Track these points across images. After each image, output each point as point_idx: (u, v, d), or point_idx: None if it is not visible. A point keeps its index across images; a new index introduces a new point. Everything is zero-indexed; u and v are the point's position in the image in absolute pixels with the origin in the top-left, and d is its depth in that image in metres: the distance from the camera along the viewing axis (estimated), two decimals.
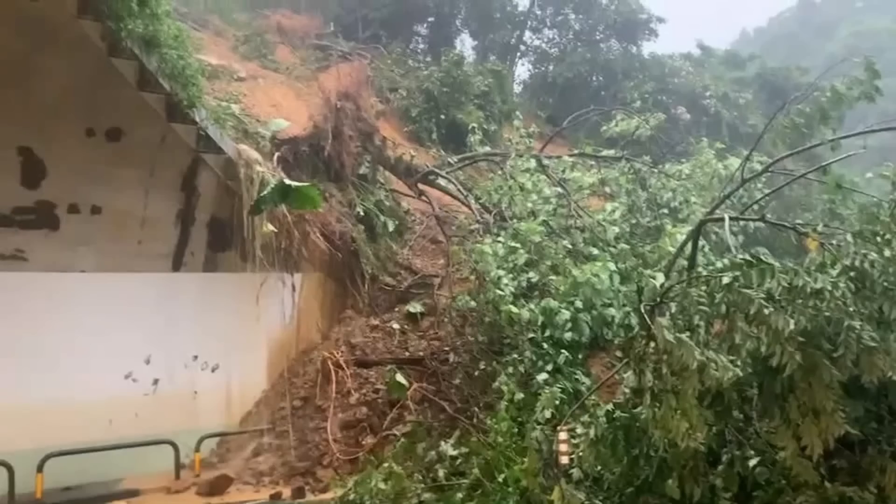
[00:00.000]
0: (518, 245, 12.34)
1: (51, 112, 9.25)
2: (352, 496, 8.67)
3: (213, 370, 11.04)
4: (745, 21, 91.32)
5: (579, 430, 7.77)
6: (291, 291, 11.74)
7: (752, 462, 6.42)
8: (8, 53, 8.66)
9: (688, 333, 6.30)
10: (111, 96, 9.50)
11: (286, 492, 9.26)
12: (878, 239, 6.34)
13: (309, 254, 11.93)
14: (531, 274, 12.05)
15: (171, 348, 10.66)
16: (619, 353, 10.46)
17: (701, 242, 10.54)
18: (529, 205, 14.57)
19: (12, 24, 8.53)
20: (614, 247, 12.96)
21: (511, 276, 11.82)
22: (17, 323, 9.37)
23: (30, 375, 9.33)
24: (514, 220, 13.72)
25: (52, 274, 9.74)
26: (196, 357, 10.92)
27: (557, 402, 9.29)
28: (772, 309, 5.86)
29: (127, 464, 9.43)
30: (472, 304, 11.79)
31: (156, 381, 10.56)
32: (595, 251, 12.98)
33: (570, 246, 13.10)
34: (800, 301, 5.97)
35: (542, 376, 10.31)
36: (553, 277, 11.91)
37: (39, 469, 8.62)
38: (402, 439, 9.82)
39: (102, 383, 9.88)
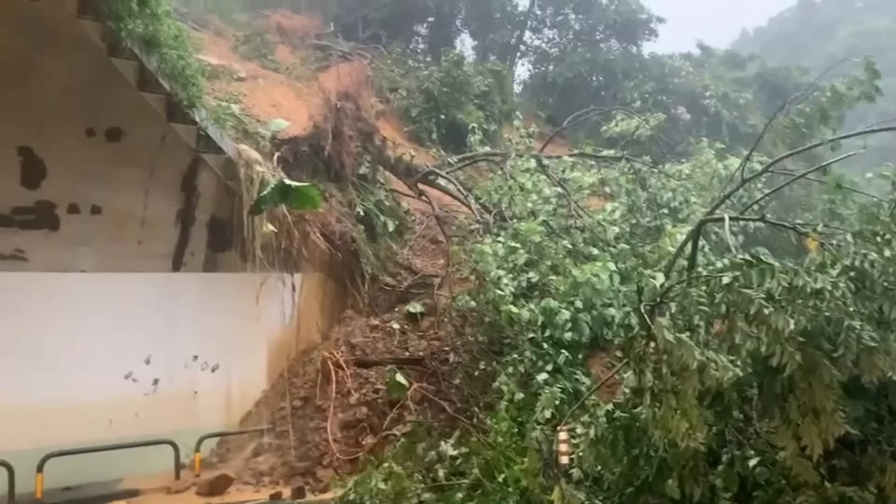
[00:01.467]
0: (518, 245, 12.35)
1: (51, 112, 9.25)
2: (352, 496, 8.67)
3: (213, 370, 11.04)
4: (745, 21, 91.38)
5: (579, 430, 7.77)
6: (291, 291, 11.74)
7: (752, 462, 6.42)
8: (8, 53, 8.65)
9: (688, 333, 6.30)
10: (111, 96, 9.50)
11: (286, 492, 9.25)
12: (878, 239, 6.34)
13: (309, 254, 11.93)
14: (531, 274, 12.06)
15: (171, 348, 10.65)
16: (619, 353, 10.46)
17: (701, 242, 10.54)
18: (529, 205, 14.57)
19: (12, 24, 8.52)
20: (614, 247, 12.97)
21: (511, 276, 11.82)
22: (17, 323, 9.36)
23: (30, 375, 9.32)
24: (514, 220, 13.72)
25: (52, 274, 9.73)
26: (196, 357, 10.91)
27: (557, 402, 9.30)
28: (772, 309, 5.86)
29: (127, 464, 9.42)
30: (472, 304, 11.79)
31: (156, 381, 10.55)
32: (595, 251, 12.98)
33: (570, 246, 13.10)
34: (800, 301, 5.97)
35: (542, 376, 10.32)
36: (553, 277, 11.91)
37: (39, 469, 8.61)
38: (402, 439, 9.82)
39: (102, 383, 9.87)
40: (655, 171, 15.69)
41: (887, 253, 6.14)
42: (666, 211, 14.76)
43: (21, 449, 8.57)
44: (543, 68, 31.69)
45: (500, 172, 16.26)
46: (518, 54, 32.10)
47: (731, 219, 9.20)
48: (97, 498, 9.03)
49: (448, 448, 9.50)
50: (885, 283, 6.07)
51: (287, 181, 10.68)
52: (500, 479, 8.81)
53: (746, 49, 39.84)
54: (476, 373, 10.99)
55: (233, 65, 17.42)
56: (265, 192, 10.49)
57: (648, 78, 29.04)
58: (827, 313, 5.89)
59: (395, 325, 11.98)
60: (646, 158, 16.80)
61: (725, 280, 6.30)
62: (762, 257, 6.55)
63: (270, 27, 22.66)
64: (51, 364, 9.46)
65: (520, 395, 10.01)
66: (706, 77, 30.16)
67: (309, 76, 19.32)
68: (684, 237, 9.91)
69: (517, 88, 31.61)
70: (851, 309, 5.90)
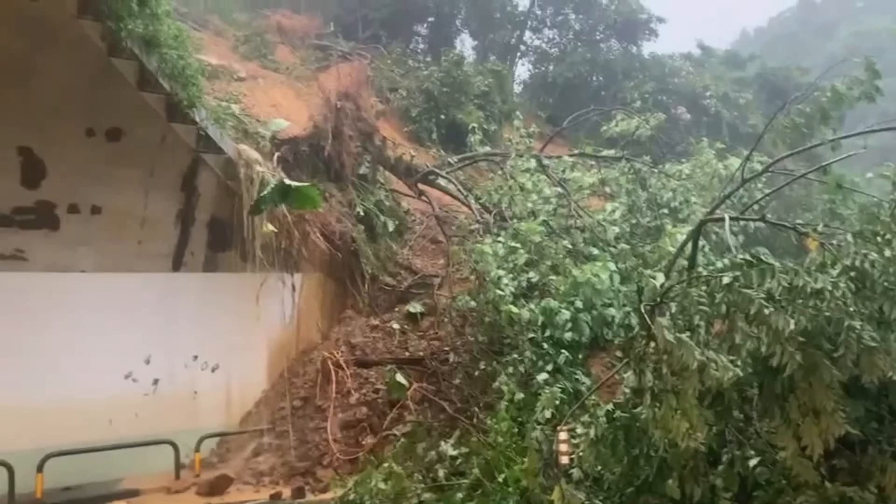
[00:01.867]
0: (518, 245, 12.37)
1: (51, 112, 9.25)
2: (352, 496, 8.68)
3: (213, 370, 11.04)
4: (745, 21, 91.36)
5: (579, 430, 7.79)
6: (291, 291, 11.75)
7: (753, 462, 6.43)
8: (8, 53, 8.65)
9: (688, 333, 6.32)
10: (111, 96, 9.51)
11: (286, 492, 9.27)
12: (879, 239, 6.35)
13: (309, 254, 11.95)
14: (531, 274, 12.07)
15: (171, 348, 10.66)
16: (619, 354, 10.48)
17: (701, 242, 10.55)
18: (529, 205, 14.60)
19: (12, 24, 8.53)
20: (614, 247, 12.98)
21: (511, 276, 11.84)
22: (18, 323, 9.36)
23: (30, 375, 9.34)
24: (514, 221, 13.74)
25: (52, 274, 9.74)
26: (196, 357, 10.92)
27: (557, 403, 9.32)
28: (772, 309, 5.87)
29: (127, 464, 9.44)
30: (472, 304, 11.80)
31: (156, 381, 10.56)
32: (595, 251, 13.00)
33: (570, 246, 13.12)
34: (800, 301, 5.98)
35: (542, 376, 10.34)
36: (553, 277, 11.93)
37: (39, 469, 8.63)
38: (403, 439, 9.83)
39: (102, 383, 9.88)
40: (656, 171, 15.70)
41: (887, 253, 6.15)
42: (666, 211, 14.77)
43: (21, 449, 8.59)
44: (543, 68, 31.70)
45: (500, 172, 16.29)
46: (518, 54, 32.12)
47: (731, 219, 9.21)
48: (97, 498, 9.04)
49: (448, 448, 9.51)
50: (886, 283, 6.08)
51: (287, 181, 10.70)
52: (501, 480, 8.81)
53: (747, 49, 39.83)
54: (476, 373, 11.00)
55: (233, 65, 17.43)
56: (265, 192, 10.52)
57: (648, 78, 29.04)
58: (827, 313, 5.90)
59: (395, 326, 11.99)
60: (646, 158, 16.80)
61: (725, 280, 6.32)
62: (762, 257, 6.55)
63: (270, 27, 22.67)
64: (51, 364, 9.47)
65: (520, 395, 10.03)
66: (706, 77, 30.16)
67: (309, 76, 19.33)
68: (684, 237, 9.92)
69: (517, 88, 31.65)
70: (852, 309, 5.91)
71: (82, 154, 9.68)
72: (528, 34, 32.17)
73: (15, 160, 9.33)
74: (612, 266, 11.72)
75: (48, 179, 9.56)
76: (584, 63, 29.72)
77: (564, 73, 29.57)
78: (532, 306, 11.23)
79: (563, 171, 16.73)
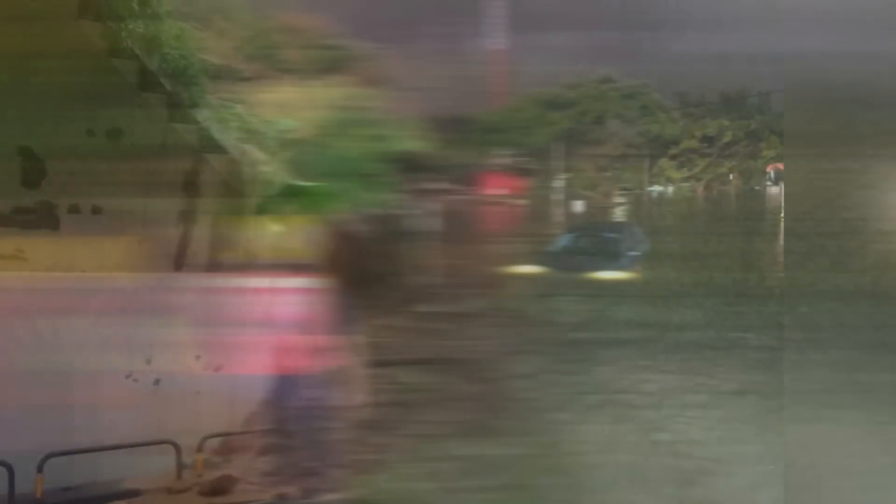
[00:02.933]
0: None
1: (51, 112, 9.92)
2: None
3: (215, 370, 11.56)
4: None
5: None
6: (298, 291, 12.22)
7: None
8: (8, 53, 9.36)
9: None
10: (111, 96, 10.19)
11: (291, 492, 9.62)
12: None
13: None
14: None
15: (173, 348, 11.15)
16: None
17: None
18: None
19: (12, 23, 9.22)
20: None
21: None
22: (17, 323, 9.96)
23: (29, 375, 9.82)
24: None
25: (52, 274, 10.34)
26: (198, 357, 11.44)
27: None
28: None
29: (128, 464, 9.93)
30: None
31: (157, 382, 11.03)
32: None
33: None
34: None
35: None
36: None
37: (39, 469, 9.13)
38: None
39: (102, 383, 10.35)
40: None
41: None
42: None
43: (21, 449, 9.10)
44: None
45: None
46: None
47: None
48: (97, 498, 9.55)
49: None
50: None
51: (294, 181, 11.28)
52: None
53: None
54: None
55: (237, 64, 18.21)
56: (270, 193, 11.10)
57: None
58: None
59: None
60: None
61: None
62: None
63: (277, 26, 23.49)
64: (51, 364, 9.97)
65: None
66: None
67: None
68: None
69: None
70: None
71: (82, 154, 10.32)
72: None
73: (15, 160, 10.06)
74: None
75: (48, 179, 10.25)
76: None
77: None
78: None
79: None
